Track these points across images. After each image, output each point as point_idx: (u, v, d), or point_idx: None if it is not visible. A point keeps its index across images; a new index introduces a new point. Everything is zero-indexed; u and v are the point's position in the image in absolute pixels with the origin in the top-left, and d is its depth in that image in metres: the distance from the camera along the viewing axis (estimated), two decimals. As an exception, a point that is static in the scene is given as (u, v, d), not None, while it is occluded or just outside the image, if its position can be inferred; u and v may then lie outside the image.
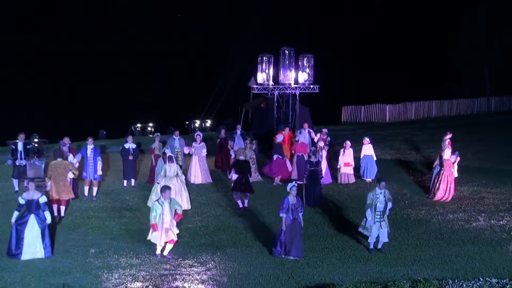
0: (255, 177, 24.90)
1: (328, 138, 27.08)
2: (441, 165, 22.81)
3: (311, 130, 27.73)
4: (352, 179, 25.41)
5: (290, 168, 25.58)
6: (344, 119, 49.90)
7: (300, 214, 16.75)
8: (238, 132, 28.69)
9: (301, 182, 22.31)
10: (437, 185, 22.71)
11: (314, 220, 20.14)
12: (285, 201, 16.62)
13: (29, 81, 58.31)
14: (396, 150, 32.81)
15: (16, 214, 16.41)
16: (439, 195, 22.56)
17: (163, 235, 16.17)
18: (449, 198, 22.52)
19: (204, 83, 59.82)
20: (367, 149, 25.76)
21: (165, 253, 16.44)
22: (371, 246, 17.17)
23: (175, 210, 16.37)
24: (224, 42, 60.40)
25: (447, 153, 22.84)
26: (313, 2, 64.94)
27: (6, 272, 15.03)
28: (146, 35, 63.18)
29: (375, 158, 25.81)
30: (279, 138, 26.32)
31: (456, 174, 23.32)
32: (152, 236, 16.32)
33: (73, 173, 20.80)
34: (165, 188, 16.52)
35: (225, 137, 28.32)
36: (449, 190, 22.60)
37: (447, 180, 22.58)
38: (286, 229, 16.49)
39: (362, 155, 25.82)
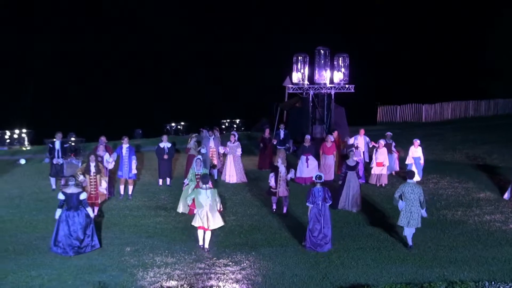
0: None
1: (393, 143, 26.38)
2: None
3: (367, 137, 27.26)
4: (385, 180, 24.83)
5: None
6: (379, 119, 49.62)
7: (327, 205, 17.18)
8: (282, 131, 28.43)
9: (328, 179, 23.67)
10: None
11: (348, 220, 20.06)
12: (311, 191, 17.20)
13: (66, 80, 58.88)
14: (432, 150, 32.53)
15: (58, 211, 16.69)
16: None
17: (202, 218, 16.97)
18: None
19: (239, 82, 59.99)
20: (417, 151, 25.07)
21: (206, 245, 17.04)
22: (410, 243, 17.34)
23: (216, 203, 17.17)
24: (259, 41, 60.48)
25: None
26: (348, 2, 64.73)
27: (43, 269, 15.22)
28: (179, 35, 63.36)
29: (422, 162, 25.08)
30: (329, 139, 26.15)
31: None
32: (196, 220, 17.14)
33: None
34: (206, 177, 17.26)
35: (270, 137, 28.12)
36: None
37: None
38: (312, 219, 17.06)
39: (409, 157, 25.07)
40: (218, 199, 17.18)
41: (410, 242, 17.23)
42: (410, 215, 17.00)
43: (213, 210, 16.98)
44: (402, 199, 17.19)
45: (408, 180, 17.37)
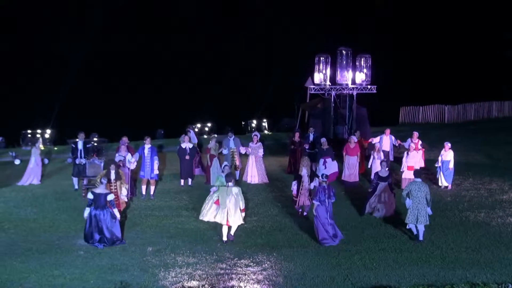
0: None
1: (420, 142, 25.62)
2: None
3: (393, 136, 27.01)
4: None
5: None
6: (401, 120, 49.36)
7: (331, 202, 17.96)
8: (311, 135, 27.90)
9: (352, 181, 24.86)
10: None
11: (371, 222, 20.00)
12: (318, 190, 18.05)
13: (88, 81, 59.23)
14: (454, 151, 32.20)
15: (87, 210, 17.45)
16: None
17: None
18: None
19: (261, 83, 59.99)
20: (447, 155, 24.50)
21: (232, 232, 18.00)
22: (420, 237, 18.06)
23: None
24: (280, 42, 60.44)
25: None
26: (370, 2, 64.52)
27: (65, 269, 15.30)
28: (200, 36, 63.53)
29: (451, 166, 24.42)
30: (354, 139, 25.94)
31: None
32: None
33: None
34: (230, 175, 18.31)
35: (300, 140, 27.33)
36: None
37: None
38: (322, 215, 17.72)
39: (440, 160, 24.53)
40: (241, 197, 17.75)
41: (421, 237, 17.90)
42: (418, 212, 17.79)
43: (236, 207, 17.63)
44: (409, 197, 17.96)
45: (415, 179, 18.32)
